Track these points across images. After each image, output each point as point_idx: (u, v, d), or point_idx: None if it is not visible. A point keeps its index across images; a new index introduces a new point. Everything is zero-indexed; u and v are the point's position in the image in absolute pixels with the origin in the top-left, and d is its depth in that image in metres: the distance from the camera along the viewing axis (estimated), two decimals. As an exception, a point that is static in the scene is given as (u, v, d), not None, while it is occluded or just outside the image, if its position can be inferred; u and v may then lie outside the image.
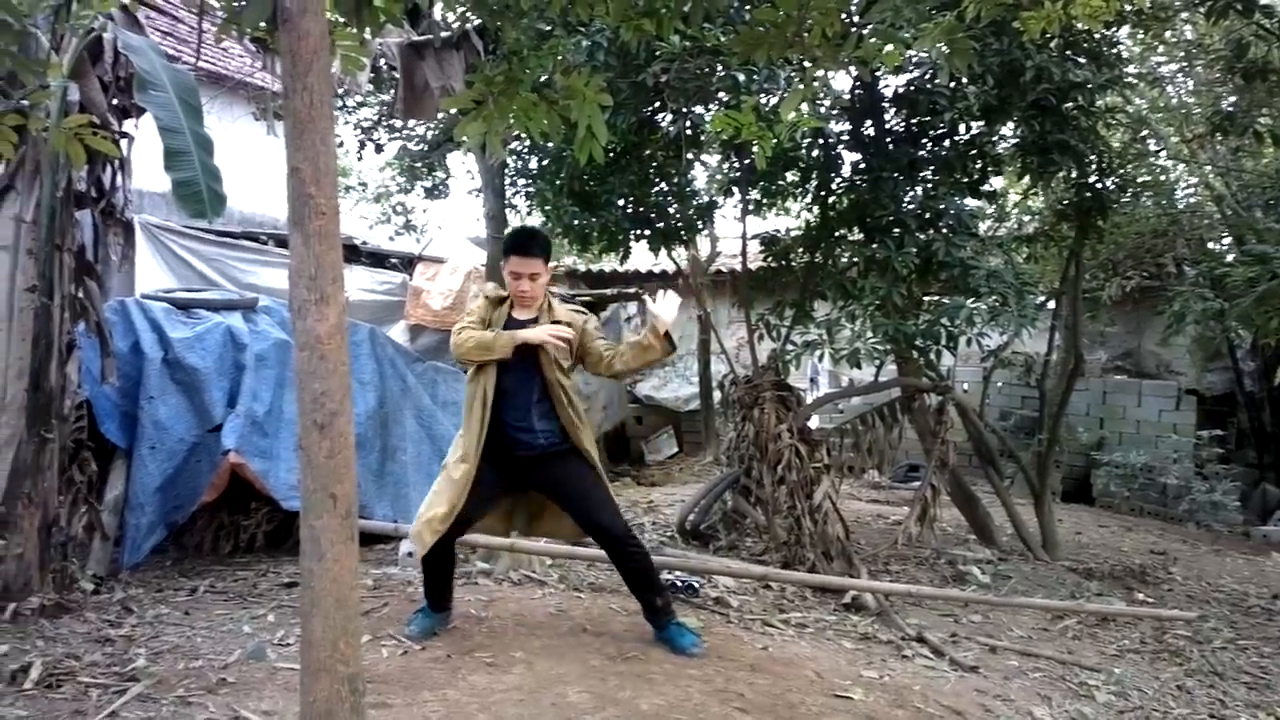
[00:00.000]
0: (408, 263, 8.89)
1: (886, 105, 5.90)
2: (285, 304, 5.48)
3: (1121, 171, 6.30)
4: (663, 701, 3.04)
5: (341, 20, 3.08)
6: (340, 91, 7.56)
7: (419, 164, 9.39)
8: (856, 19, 3.62)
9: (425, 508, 3.56)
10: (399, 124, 8.73)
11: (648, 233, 6.32)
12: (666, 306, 3.47)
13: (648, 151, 6.06)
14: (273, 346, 5.05)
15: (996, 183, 6.64)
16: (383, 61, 4.88)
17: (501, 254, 3.77)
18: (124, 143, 4.06)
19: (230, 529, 4.97)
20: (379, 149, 9.03)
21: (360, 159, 9.15)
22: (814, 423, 7.17)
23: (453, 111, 3.56)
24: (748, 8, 4.98)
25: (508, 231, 4.07)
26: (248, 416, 4.76)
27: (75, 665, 3.08)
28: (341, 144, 8.94)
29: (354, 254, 8.47)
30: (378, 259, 8.83)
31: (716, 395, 9.50)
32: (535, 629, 3.77)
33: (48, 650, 3.20)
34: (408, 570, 4.67)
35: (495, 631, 3.70)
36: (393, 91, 6.04)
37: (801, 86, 3.35)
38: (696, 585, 4.61)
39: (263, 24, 3.42)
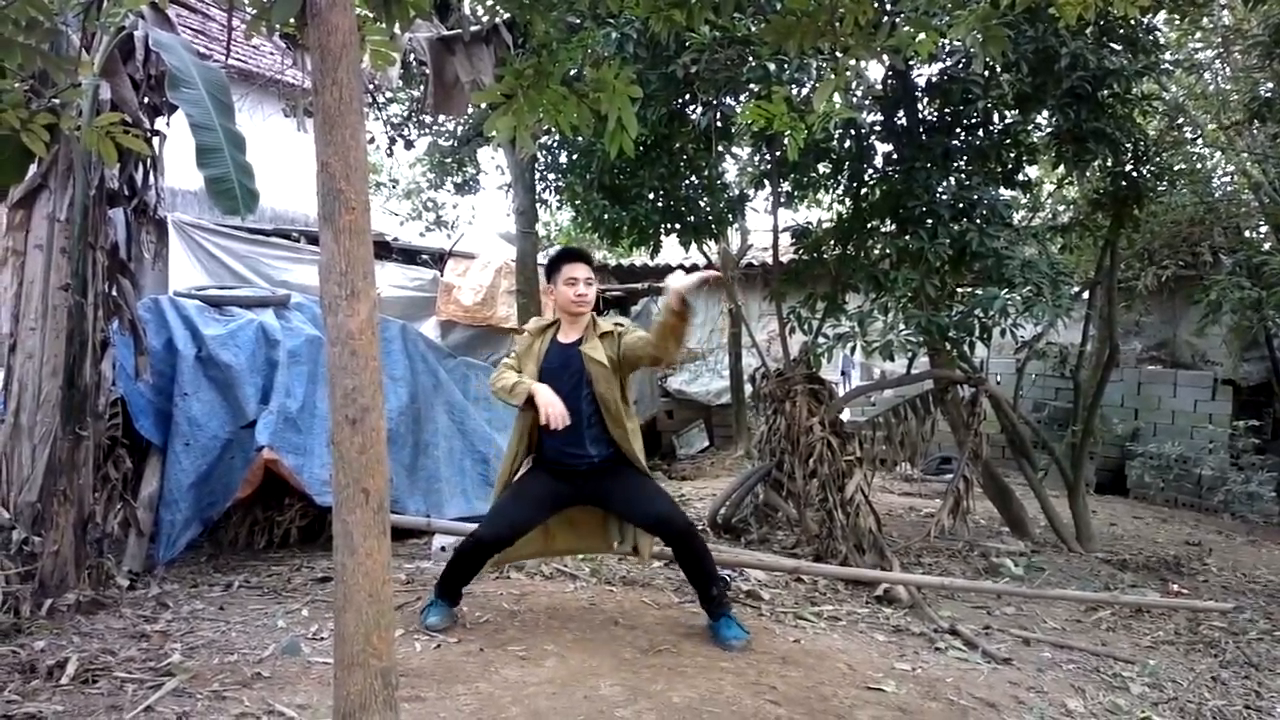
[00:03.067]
0: (438, 259, 8.94)
1: (919, 94, 5.83)
2: (317, 301, 5.52)
3: (1158, 159, 6.18)
4: (695, 694, 3.03)
5: (371, 15, 3.08)
6: (370, 87, 7.60)
7: (449, 160, 9.43)
8: (889, 7, 3.58)
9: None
10: (429, 120, 8.77)
11: (678, 226, 6.29)
12: (678, 278, 3.45)
13: (678, 144, 6.02)
14: (305, 343, 5.08)
15: (1031, 172, 6.54)
16: (412, 57, 4.89)
17: (547, 278, 3.83)
18: (156, 141, 4.08)
19: (264, 524, 5.01)
20: (409, 145, 9.08)
21: (390, 155, 9.20)
22: (846, 415, 7.11)
23: (483, 106, 3.55)
24: (777, -3, 4.94)
25: (551, 255, 4.13)
26: (281, 413, 4.80)
27: (111, 660, 3.10)
28: (372, 140, 8.98)
29: (385, 250, 8.53)
30: (409, 255, 8.89)
31: (748, 389, 9.46)
32: (567, 622, 3.77)
33: (84, 646, 3.24)
34: (440, 565, 4.69)
35: (527, 625, 3.71)
36: (422, 87, 6.06)
37: (834, 76, 3.31)
38: (728, 578, 4.59)
39: (292, 20, 3.44)
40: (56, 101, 3.36)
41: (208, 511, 4.67)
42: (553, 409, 3.46)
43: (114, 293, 3.92)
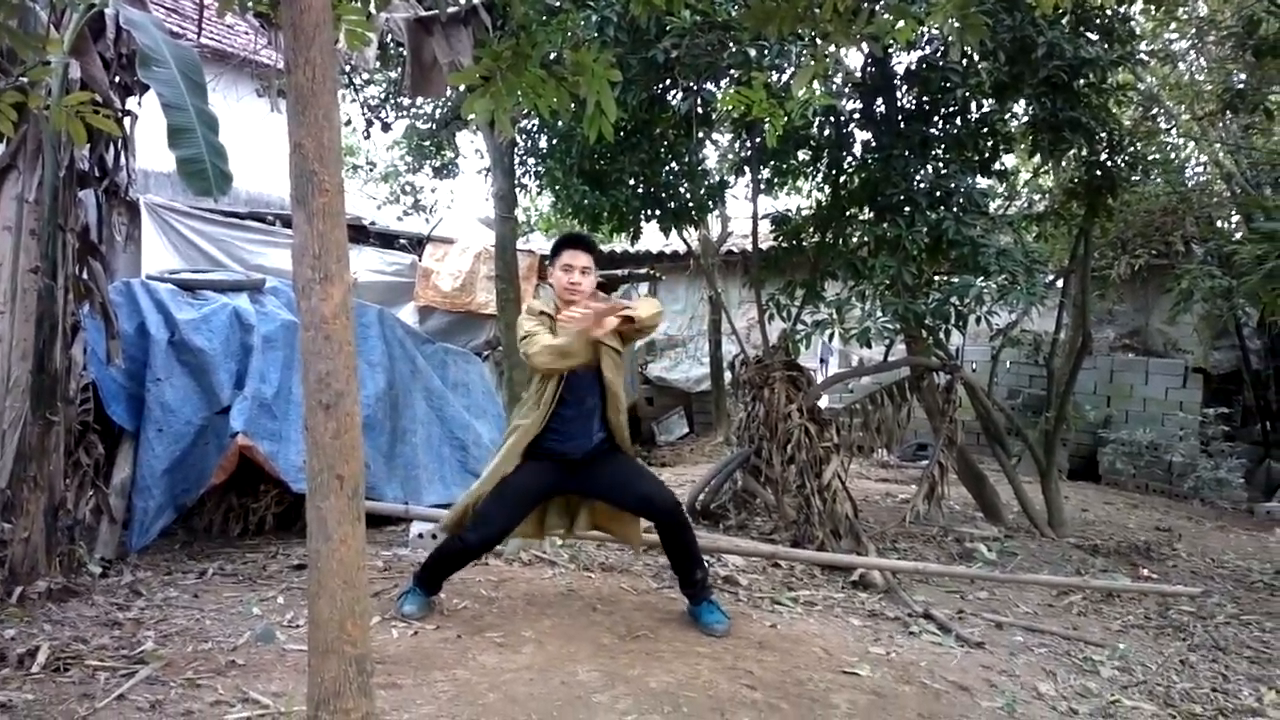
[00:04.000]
0: (417, 243, 8.86)
1: (898, 82, 5.84)
2: (292, 285, 5.46)
3: (1132, 149, 6.23)
4: (672, 679, 3.05)
5: (346, -5, 3.04)
6: (347, 69, 7.51)
7: (427, 143, 9.34)
8: (868, -7, 3.58)
9: (469, 496, 3.64)
10: (407, 102, 8.68)
11: (658, 213, 6.28)
12: (646, 304, 3.57)
13: (658, 130, 6.00)
14: (280, 328, 5.03)
15: (1007, 161, 6.57)
16: (389, 37, 4.83)
17: (550, 261, 3.79)
18: (127, 121, 4.02)
19: (239, 511, 4.97)
20: (386, 128, 8.98)
21: (368, 138, 9.11)
22: (824, 402, 7.15)
23: (461, 88, 3.52)
24: (757, -18, 4.91)
25: (555, 238, 4.09)
26: (255, 398, 4.75)
27: (83, 649, 3.07)
28: (349, 123, 8.88)
29: (362, 234, 8.45)
30: (386, 239, 8.81)
31: (727, 376, 9.49)
32: (545, 609, 3.78)
33: (55, 634, 3.20)
34: (418, 552, 4.67)
35: (505, 611, 3.71)
36: (400, 68, 5.99)
37: (813, 63, 3.30)
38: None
39: (265, -1, 3.39)
40: (25, 80, 3.29)
41: (181, 498, 4.62)
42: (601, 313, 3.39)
43: (85, 275, 3.85)
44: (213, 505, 4.91)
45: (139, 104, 4.11)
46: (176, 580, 4.09)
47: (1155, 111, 8.46)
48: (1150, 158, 7.18)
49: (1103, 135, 5.83)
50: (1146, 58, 6.79)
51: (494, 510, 3.54)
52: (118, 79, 3.92)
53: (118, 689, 2.74)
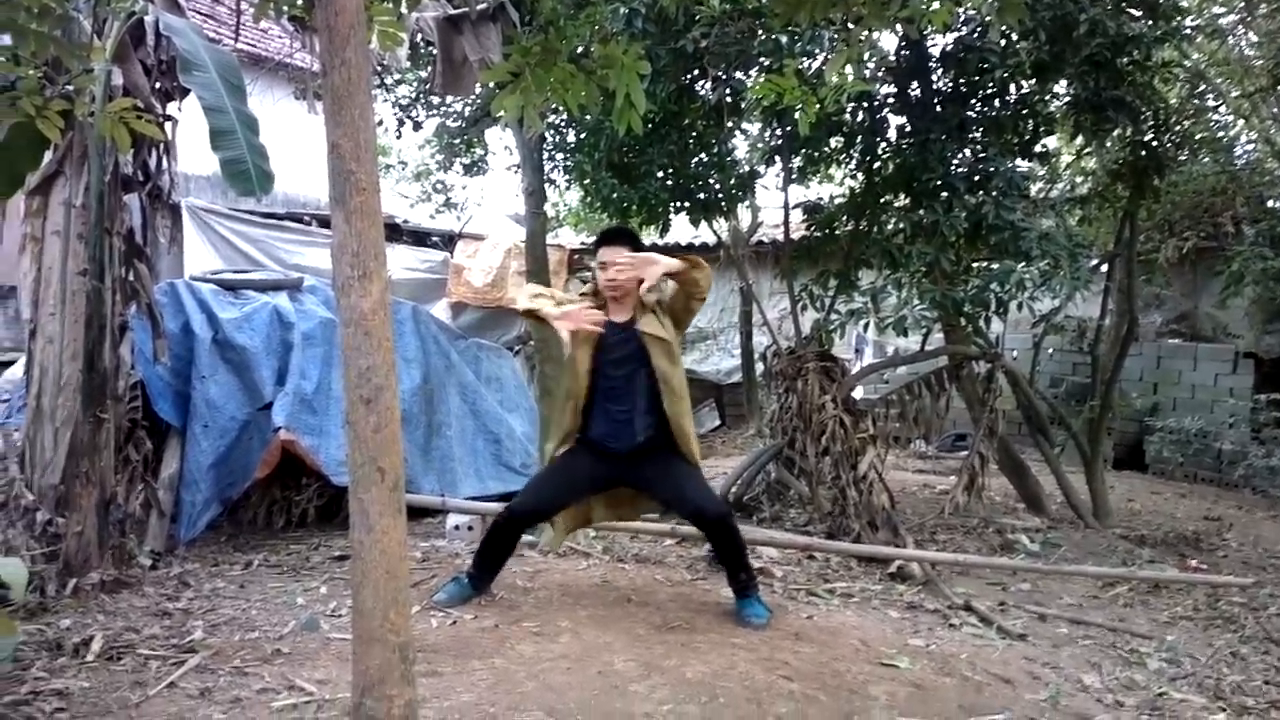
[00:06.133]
0: (448, 240, 8.94)
1: (934, 65, 5.75)
2: (330, 283, 5.54)
3: (1178, 128, 6.09)
4: (708, 670, 3.05)
5: (378, -5, 3.07)
6: (378, 69, 7.58)
7: (457, 141, 9.40)
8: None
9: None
10: (437, 101, 8.74)
11: (687, 204, 6.26)
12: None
13: (687, 121, 5.98)
14: (319, 325, 5.11)
15: (1048, 143, 6.46)
16: (420, 36, 4.87)
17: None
18: (168, 126, 4.10)
19: (282, 504, 5.06)
20: (417, 126, 9.05)
21: (399, 137, 9.18)
22: (858, 393, 7.10)
23: (491, 85, 3.55)
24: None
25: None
26: (296, 394, 4.84)
27: (135, 638, 3.15)
28: (380, 123, 8.96)
29: (395, 233, 8.54)
30: (419, 237, 8.90)
31: (759, 367, 9.44)
32: (581, 599, 3.80)
33: (108, 624, 3.28)
34: (455, 543, 4.73)
35: (542, 602, 3.74)
36: (430, 67, 6.04)
37: (846, 48, 3.27)
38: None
39: (299, 1, 3.43)
40: (70, 88, 3.37)
41: (227, 492, 4.72)
42: (584, 317, 3.47)
43: (131, 277, 3.94)
44: (257, 499, 5.00)
45: (179, 109, 4.19)
46: (223, 571, 4.18)
47: (1202, 89, 8.24)
48: (1198, 137, 7.02)
49: (1148, 114, 5.71)
50: (1193, 33, 6.62)
51: (542, 481, 3.70)
52: (158, 85, 4.00)
53: (168, 677, 2.81)
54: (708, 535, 3.71)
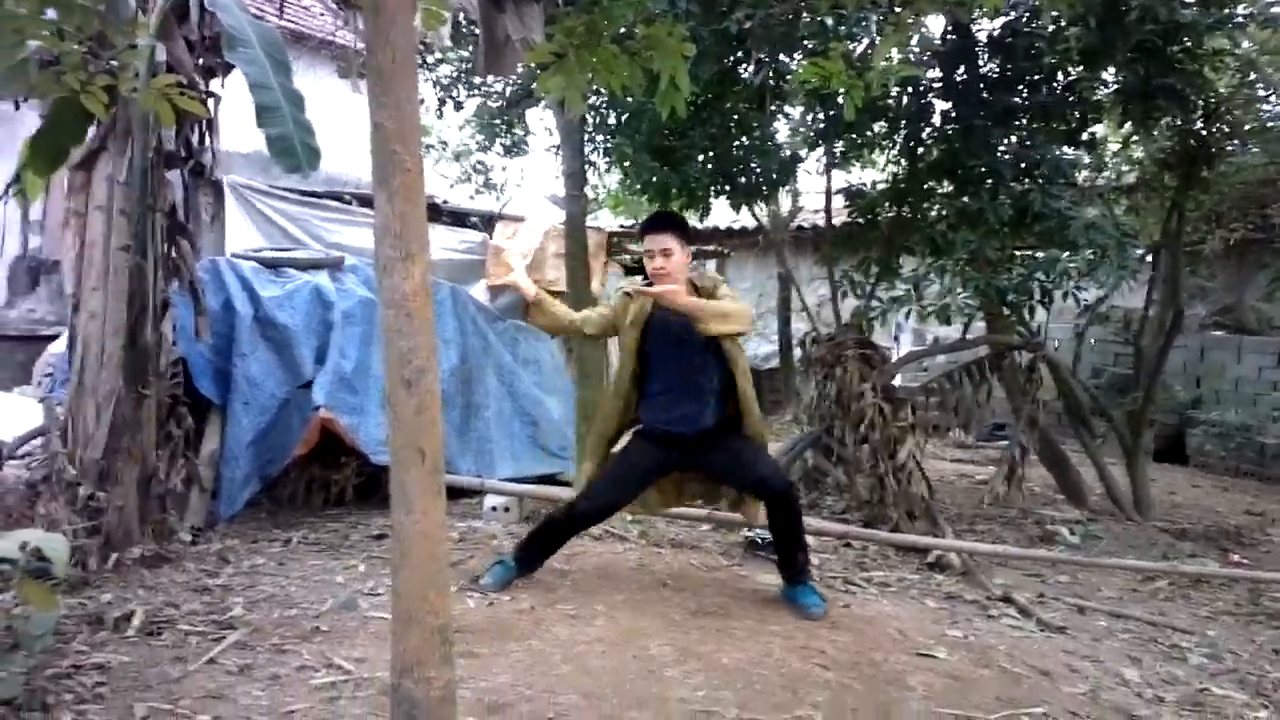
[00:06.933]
0: (487, 221, 8.93)
1: (981, 50, 5.64)
2: (370, 263, 5.56)
3: (1229, 117, 5.92)
4: (744, 656, 3.04)
5: (422, -27, 3.05)
6: (420, 48, 7.58)
7: (498, 121, 9.37)
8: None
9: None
10: (478, 81, 8.71)
11: (728, 188, 6.21)
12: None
13: (729, 104, 5.92)
14: (359, 305, 5.14)
15: (1096, 131, 6.32)
16: (462, 15, 4.85)
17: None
18: (211, 102, 4.11)
19: (321, 482, 5.10)
20: (459, 106, 9.03)
21: (440, 117, 9.18)
22: (897, 381, 7.02)
23: (532, 66, 3.51)
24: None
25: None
26: (336, 373, 4.87)
27: (175, 613, 3.19)
28: (422, 102, 8.96)
29: (435, 213, 8.54)
30: (458, 218, 8.89)
31: (797, 353, 9.37)
32: (617, 583, 3.80)
33: (149, 599, 3.33)
34: (492, 524, 4.75)
35: (578, 585, 3.74)
36: (472, 47, 6.01)
37: (894, 31, 3.20)
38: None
39: (344, -21, 3.41)
40: (114, 63, 3.39)
41: (267, 469, 4.76)
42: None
43: (173, 254, 3.97)
44: (296, 476, 5.05)
45: (222, 85, 4.21)
46: (263, 548, 4.22)
47: (1253, 78, 8.02)
48: (1247, 127, 6.82)
49: (1198, 103, 5.56)
50: (1245, 21, 6.44)
51: (609, 483, 3.63)
52: (201, 61, 4.01)
53: (208, 653, 2.85)
54: (768, 509, 3.62)
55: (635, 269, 8.52)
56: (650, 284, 3.56)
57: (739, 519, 3.96)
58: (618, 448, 3.73)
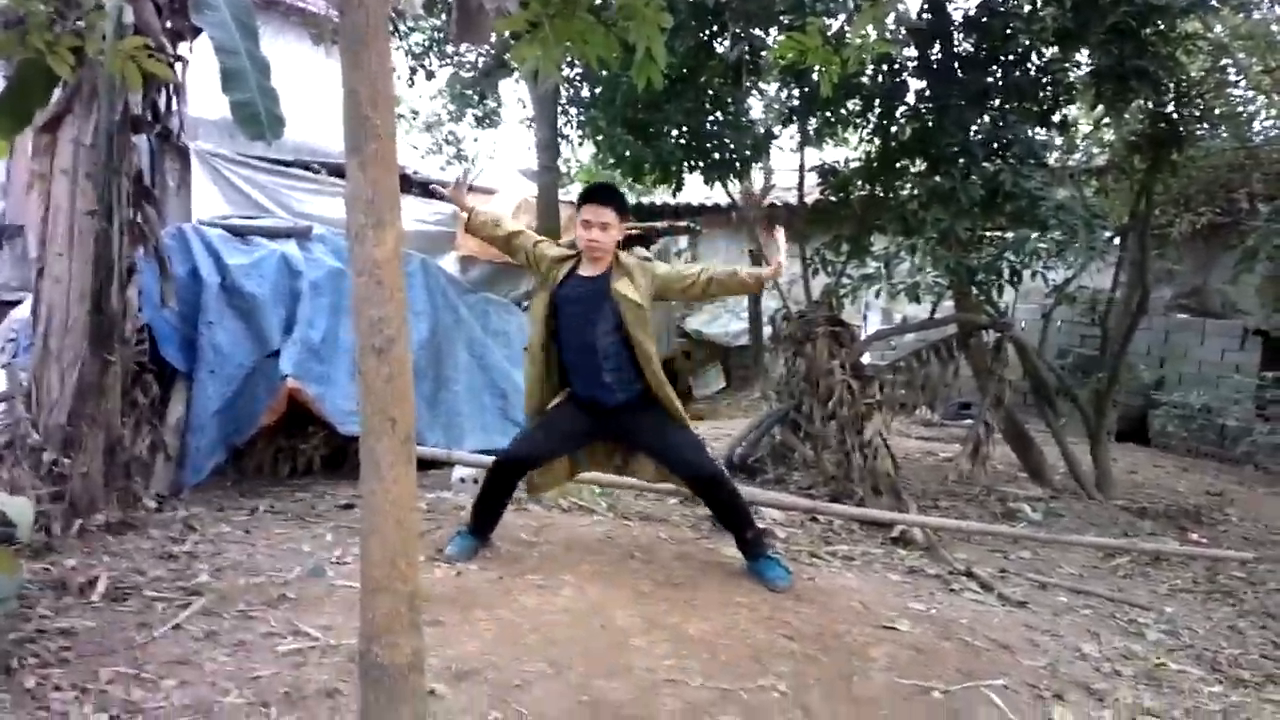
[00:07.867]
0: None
1: (956, 29, 5.66)
2: (339, 233, 5.51)
3: (1199, 102, 6.00)
4: (710, 627, 3.08)
5: (395, -63, 3.00)
6: (393, 15, 7.47)
7: (470, 91, 9.29)
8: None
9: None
10: (450, 50, 8.62)
11: (702, 164, 6.20)
12: (780, 247, 3.68)
13: (704, 79, 5.90)
14: (327, 274, 5.08)
15: (1068, 112, 6.37)
16: (435, -18, 4.78)
17: (575, 208, 3.80)
18: (178, 66, 4.03)
19: (288, 452, 5.07)
20: (430, 76, 8.93)
21: (411, 86, 9.08)
22: (865, 358, 7.08)
23: (505, 35, 3.48)
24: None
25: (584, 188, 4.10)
26: (304, 343, 4.82)
27: (140, 580, 3.17)
28: (394, 70, 8.84)
29: (405, 184, 8.46)
30: (429, 189, 8.81)
31: (767, 330, 9.42)
32: (585, 554, 3.82)
33: (113, 565, 3.30)
34: (460, 495, 4.75)
35: (546, 556, 3.76)
36: (445, 15, 5.93)
37: (871, 6, 3.21)
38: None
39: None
40: (81, 24, 3.31)
41: (233, 438, 4.72)
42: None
43: (139, 219, 3.90)
44: (262, 446, 5.01)
45: (189, 49, 4.13)
46: (229, 517, 4.19)
47: (1224, 62, 8.11)
48: (1217, 111, 6.92)
49: (1170, 86, 5.62)
50: (1218, 5, 6.50)
51: (533, 431, 3.72)
52: (169, 24, 3.93)
53: (174, 619, 2.84)
54: (702, 497, 3.71)
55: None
56: (579, 254, 3.61)
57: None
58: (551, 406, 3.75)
